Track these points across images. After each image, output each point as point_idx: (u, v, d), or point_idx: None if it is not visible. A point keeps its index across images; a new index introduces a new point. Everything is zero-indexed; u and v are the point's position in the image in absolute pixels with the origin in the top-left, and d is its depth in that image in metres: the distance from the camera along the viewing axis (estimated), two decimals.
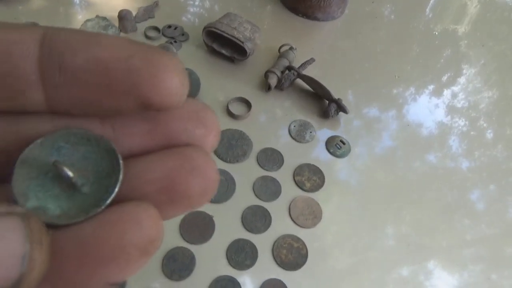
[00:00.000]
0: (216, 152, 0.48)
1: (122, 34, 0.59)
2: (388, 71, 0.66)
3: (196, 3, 0.69)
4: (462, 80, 0.68)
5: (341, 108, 0.54)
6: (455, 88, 0.67)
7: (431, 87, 0.66)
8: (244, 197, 0.46)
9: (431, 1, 0.84)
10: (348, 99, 0.59)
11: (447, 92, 0.66)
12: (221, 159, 0.48)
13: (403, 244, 0.46)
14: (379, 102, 0.60)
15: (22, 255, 0.09)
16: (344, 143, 0.53)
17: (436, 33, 0.75)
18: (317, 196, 0.47)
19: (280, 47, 0.61)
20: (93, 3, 0.64)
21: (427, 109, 0.62)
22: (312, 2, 0.67)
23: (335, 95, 0.55)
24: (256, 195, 0.46)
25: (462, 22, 0.80)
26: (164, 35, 0.61)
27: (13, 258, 0.09)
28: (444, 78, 0.68)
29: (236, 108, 0.54)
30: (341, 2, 0.69)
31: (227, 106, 0.53)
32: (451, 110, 0.63)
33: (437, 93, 0.65)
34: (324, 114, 0.55)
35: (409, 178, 0.52)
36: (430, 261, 0.46)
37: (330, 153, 0.52)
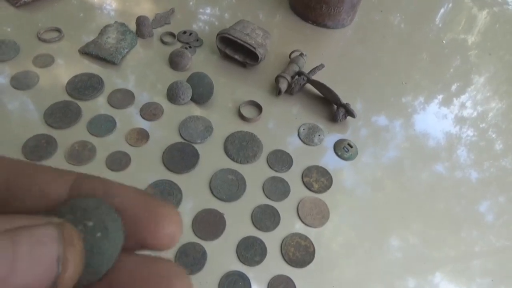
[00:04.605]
0: (227, 153, 0.50)
1: (139, 39, 0.61)
2: (397, 80, 0.66)
3: (210, 11, 0.71)
4: (471, 90, 0.68)
5: (349, 112, 0.55)
6: (464, 98, 0.66)
7: (440, 96, 0.66)
8: (254, 197, 0.47)
9: (441, 11, 0.85)
10: (356, 107, 0.60)
11: (456, 102, 0.65)
12: (233, 159, 0.50)
13: (409, 254, 0.46)
14: (387, 111, 0.61)
15: (57, 256, 0.10)
16: (351, 146, 0.54)
17: (444, 42, 0.76)
18: (325, 197, 0.49)
19: (291, 53, 0.63)
20: (112, 9, 0.66)
21: (436, 118, 0.62)
22: (322, 10, 0.69)
23: (344, 102, 0.56)
24: (265, 195, 0.48)
25: (471, 32, 0.81)
26: (179, 40, 0.63)
27: (49, 259, 0.10)
28: (454, 87, 0.68)
29: (248, 111, 0.56)
30: (350, 10, 0.71)
31: (239, 109, 0.55)
32: (460, 120, 0.63)
33: (446, 102, 0.65)
34: (333, 118, 0.56)
35: (416, 187, 0.52)
36: (437, 273, 0.45)
37: (338, 155, 0.53)
